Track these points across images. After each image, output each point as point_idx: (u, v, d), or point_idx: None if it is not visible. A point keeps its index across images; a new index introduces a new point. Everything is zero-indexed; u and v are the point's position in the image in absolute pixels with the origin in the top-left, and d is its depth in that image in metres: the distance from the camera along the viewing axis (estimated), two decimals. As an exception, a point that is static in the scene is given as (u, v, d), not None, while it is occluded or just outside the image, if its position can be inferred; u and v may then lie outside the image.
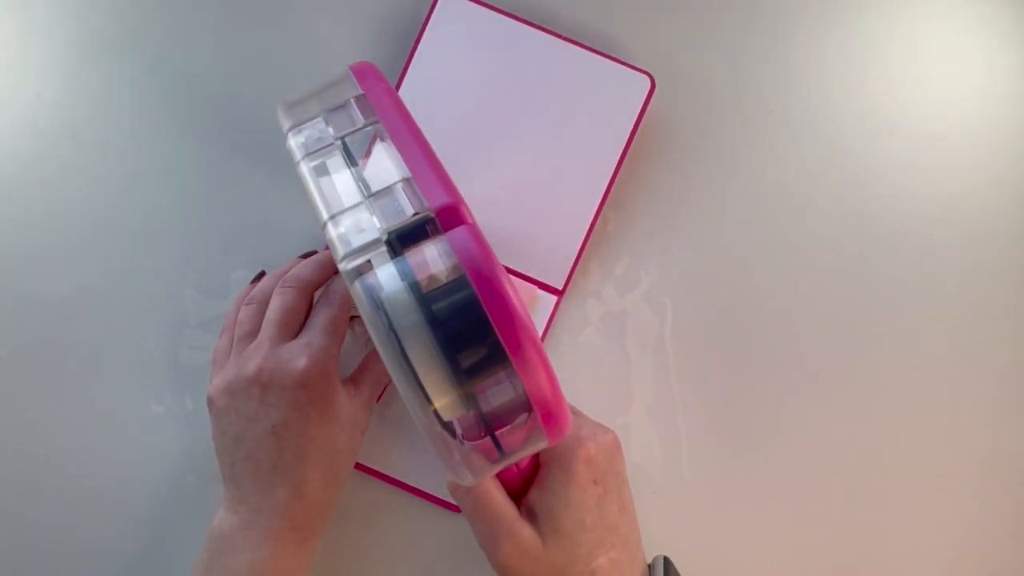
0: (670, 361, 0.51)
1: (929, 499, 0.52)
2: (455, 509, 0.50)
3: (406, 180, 0.35)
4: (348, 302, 0.46)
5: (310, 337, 0.44)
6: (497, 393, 0.33)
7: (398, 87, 0.51)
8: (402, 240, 0.33)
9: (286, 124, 0.39)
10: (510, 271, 0.51)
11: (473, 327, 0.31)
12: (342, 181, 0.36)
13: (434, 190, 0.34)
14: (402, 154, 0.36)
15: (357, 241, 0.33)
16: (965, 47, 0.54)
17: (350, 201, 0.35)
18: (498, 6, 0.51)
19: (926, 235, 0.53)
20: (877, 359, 0.52)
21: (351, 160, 0.37)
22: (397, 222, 0.33)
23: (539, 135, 0.51)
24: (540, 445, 0.35)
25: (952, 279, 0.53)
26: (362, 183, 0.35)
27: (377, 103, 0.38)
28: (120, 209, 0.52)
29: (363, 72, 0.40)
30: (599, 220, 0.51)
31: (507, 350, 0.31)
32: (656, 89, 0.51)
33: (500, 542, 0.41)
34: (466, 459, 0.34)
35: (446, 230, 0.33)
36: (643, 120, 0.51)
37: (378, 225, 0.33)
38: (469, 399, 0.32)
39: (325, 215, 0.35)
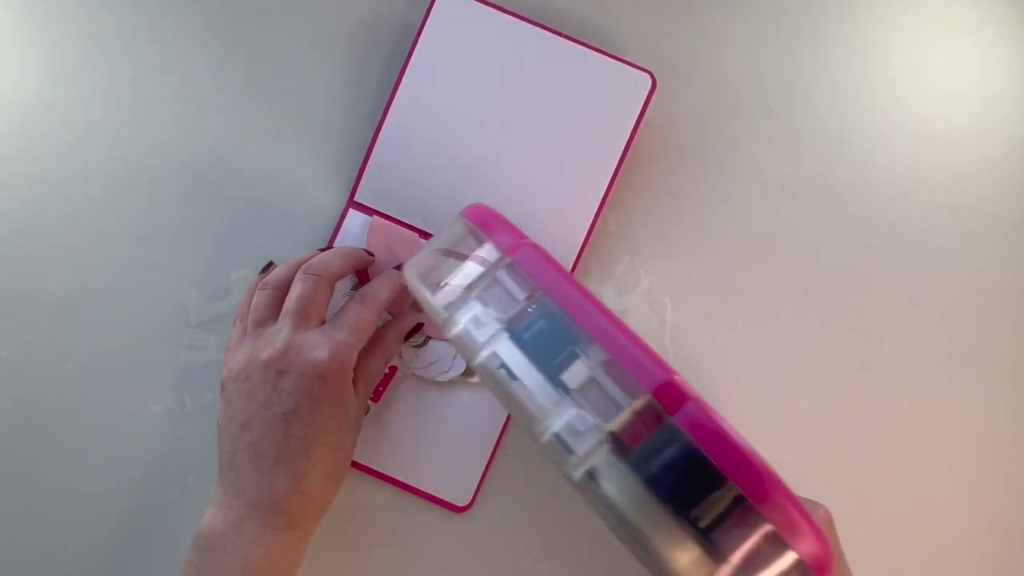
0: (670, 361, 0.51)
1: (929, 499, 0.52)
2: (455, 509, 0.50)
3: (605, 363, 0.32)
4: (382, 308, 0.45)
5: (336, 330, 0.43)
6: (762, 554, 0.30)
7: (396, 85, 0.51)
8: (628, 433, 0.31)
9: (436, 313, 0.37)
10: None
11: (728, 503, 0.30)
12: (526, 371, 0.33)
13: (645, 369, 0.31)
14: (590, 331, 0.33)
15: (580, 446, 0.31)
16: (965, 47, 0.54)
17: (547, 398, 0.32)
18: (497, 3, 0.51)
19: (926, 235, 0.53)
20: (878, 358, 0.52)
21: (524, 345, 0.34)
22: (618, 418, 0.31)
23: (538, 134, 0.51)
24: None
25: (952, 279, 0.53)
26: (547, 373, 0.33)
27: (530, 269, 0.36)
28: (120, 209, 0.52)
29: (488, 223, 0.38)
30: (599, 220, 0.51)
31: (767, 516, 0.30)
32: (657, 88, 0.51)
33: None
34: None
35: (672, 410, 0.30)
36: (644, 119, 0.51)
37: (593, 421, 0.31)
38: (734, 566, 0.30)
39: (533, 420, 0.32)
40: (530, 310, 0.35)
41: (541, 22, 0.51)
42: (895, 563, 0.51)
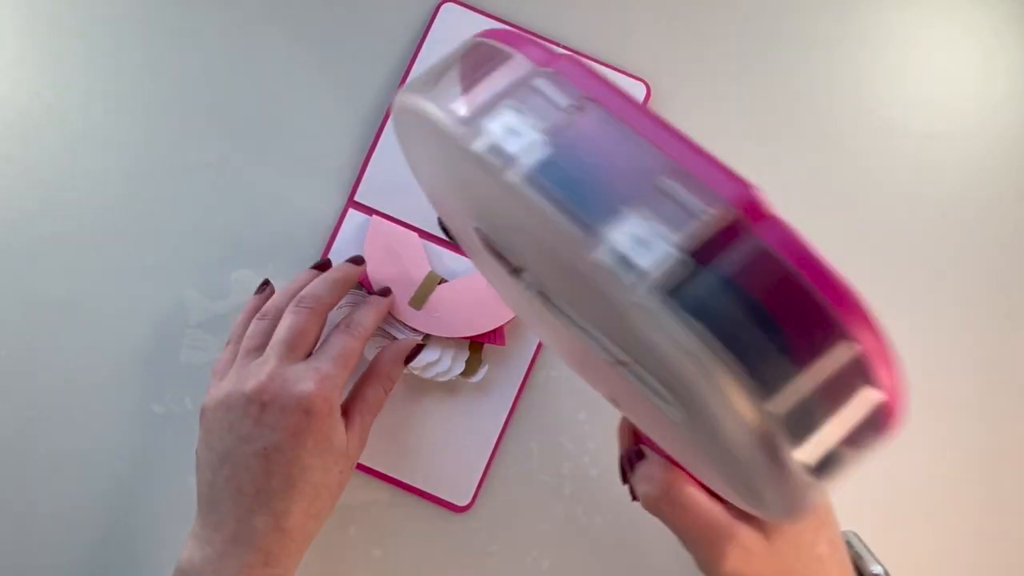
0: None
1: (931, 497, 0.52)
2: (455, 509, 0.50)
3: (674, 171, 0.27)
4: (368, 335, 0.45)
5: (321, 362, 0.42)
6: (839, 381, 0.27)
7: (399, 87, 0.51)
8: (703, 246, 0.25)
9: (438, 118, 0.29)
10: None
11: (818, 323, 0.26)
12: (576, 188, 0.27)
13: (721, 179, 0.27)
14: (653, 138, 0.27)
15: (645, 259, 0.25)
16: (965, 47, 0.54)
17: (604, 210, 0.26)
18: (496, 14, 0.52)
19: (926, 235, 0.53)
20: (878, 358, 0.52)
21: (575, 159, 0.28)
22: (693, 229, 0.26)
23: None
24: (880, 441, 0.28)
25: (952, 278, 0.53)
26: (603, 191, 0.27)
27: (574, 77, 0.29)
28: (120, 209, 0.52)
29: (512, 39, 0.31)
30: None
31: (857, 340, 0.26)
32: (651, 95, 0.51)
33: (724, 550, 0.37)
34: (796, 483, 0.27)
35: (755, 219, 0.26)
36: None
37: (663, 232, 0.25)
38: (815, 391, 0.26)
39: (588, 238, 0.26)
40: (577, 120, 0.28)
41: (539, 32, 0.52)
42: (897, 562, 0.51)
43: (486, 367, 0.50)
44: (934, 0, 0.54)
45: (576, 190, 0.27)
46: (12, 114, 0.52)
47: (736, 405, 0.25)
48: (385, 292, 0.49)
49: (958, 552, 0.51)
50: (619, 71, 0.51)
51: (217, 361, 0.46)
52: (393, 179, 0.51)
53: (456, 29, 0.51)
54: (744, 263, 0.26)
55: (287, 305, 0.45)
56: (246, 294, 0.51)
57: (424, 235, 0.51)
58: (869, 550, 0.43)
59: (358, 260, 0.48)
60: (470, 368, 0.49)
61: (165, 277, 0.51)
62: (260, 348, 0.43)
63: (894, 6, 0.54)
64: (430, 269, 0.50)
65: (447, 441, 0.50)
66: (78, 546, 0.49)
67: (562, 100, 0.29)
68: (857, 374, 0.27)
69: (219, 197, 0.52)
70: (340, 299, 0.46)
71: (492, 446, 0.50)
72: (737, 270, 0.26)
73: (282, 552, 0.40)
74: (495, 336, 0.50)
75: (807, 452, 0.26)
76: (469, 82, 0.30)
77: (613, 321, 0.29)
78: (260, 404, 0.40)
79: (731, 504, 0.38)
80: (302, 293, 0.44)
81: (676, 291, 0.25)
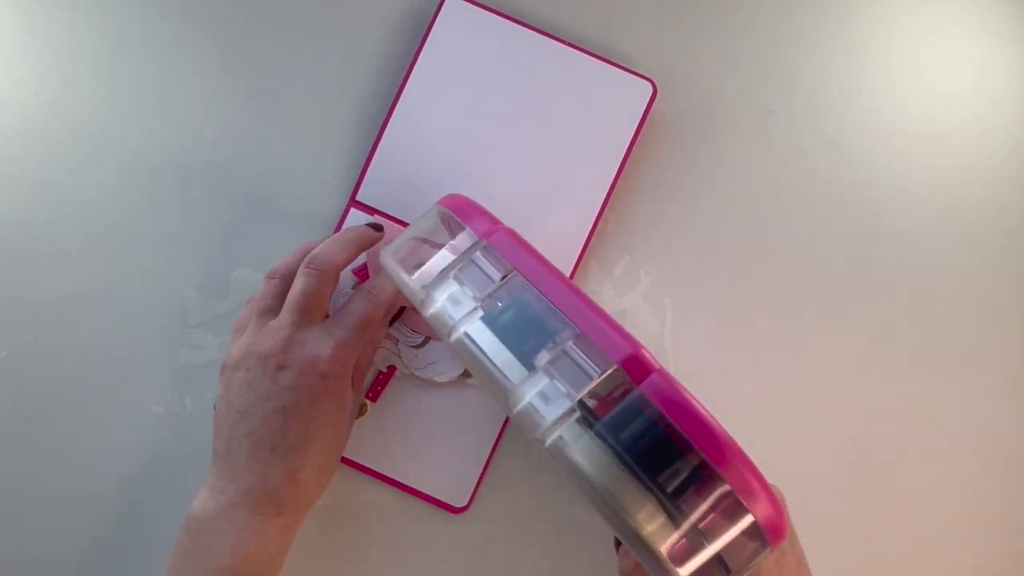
0: (670, 361, 0.51)
1: (934, 497, 0.52)
2: (452, 510, 0.50)
3: (576, 337, 0.35)
4: (388, 302, 0.45)
5: (339, 327, 0.43)
6: (721, 516, 0.33)
7: (402, 87, 0.51)
8: (598, 403, 0.33)
9: (413, 293, 0.39)
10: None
11: (690, 467, 0.33)
12: (498, 347, 0.36)
13: (612, 342, 0.33)
14: (561, 307, 0.35)
15: (551, 414, 0.33)
16: (965, 47, 0.54)
17: (520, 371, 0.35)
18: (502, 11, 0.51)
19: (926, 235, 0.53)
20: (878, 357, 0.52)
21: (498, 322, 0.37)
22: (585, 386, 0.33)
23: (541, 138, 0.51)
24: (761, 555, 0.34)
25: (952, 278, 0.53)
26: (520, 347, 0.35)
27: (508, 252, 0.38)
28: (120, 209, 0.52)
29: (465, 210, 0.40)
30: (600, 221, 0.51)
31: (726, 478, 0.32)
32: (658, 95, 0.51)
33: None
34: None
35: (638, 379, 0.33)
36: (644, 124, 0.51)
37: (563, 390, 0.34)
38: (694, 528, 0.33)
39: (507, 386, 0.35)
40: (503, 289, 0.37)
41: (545, 30, 0.51)
42: (894, 559, 0.52)
43: (486, 368, 0.50)
44: (934, 1, 0.54)
45: (498, 351, 0.35)
46: (12, 114, 0.52)
47: (631, 525, 0.32)
48: (378, 227, 0.49)
49: None
50: (625, 69, 0.51)
51: (237, 319, 0.46)
52: (395, 179, 0.51)
53: (460, 26, 0.51)
54: (627, 417, 0.33)
55: (298, 265, 0.45)
56: (246, 294, 0.51)
57: (424, 236, 0.51)
58: None
59: (377, 227, 0.48)
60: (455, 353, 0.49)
61: (165, 277, 0.51)
62: (274, 309, 0.44)
63: (895, 7, 0.54)
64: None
65: (445, 442, 0.50)
66: (78, 545, 0.49)
67: (495, 273, 0.38)
68: (732, 507, 0.33)
69: (219, 197, 0.52)
70: (352, 259, 0.46)
71: (490, 448, 0.50)
72: (621, 423, 0.33)
73: (293, 503, 0.42)
74: (495, 337, 0.50)
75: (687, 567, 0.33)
76: (423, 254, 0.41)
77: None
78: (277, 365, 0.42)
79: None
80: (313, 252, 0.45)
81: (569, 443, 0.33)
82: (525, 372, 0.35)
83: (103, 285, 0.51)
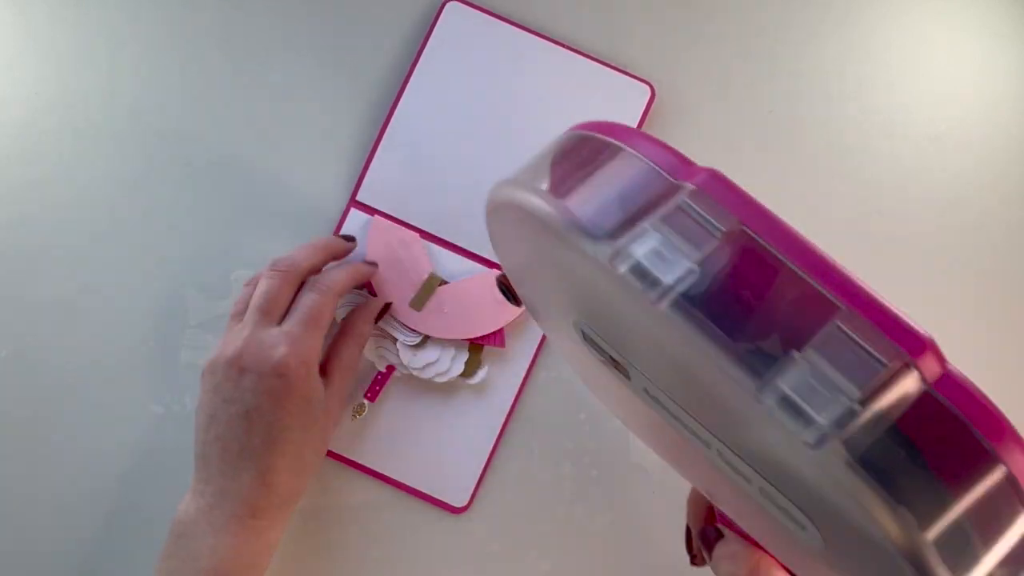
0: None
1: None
2: (452, 510, 0.50)
3: (838, 313, 0.26)
4: (336, 291, 0.45)
5: (291, 325, 0.43)
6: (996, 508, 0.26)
7: (402, 89, 0.51)
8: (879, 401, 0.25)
9: (599, 236, 0.27)
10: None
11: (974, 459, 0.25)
12: (732, 329, 0.25)
13: (901, 325, 0.26)
14: (820, 278, 0.27)
15: (820, 411, 0.24)
16: (965, 47, 0.54)
17: (764, 354, 0.25)
18: (501, 14, 0.52)
19: (926, 235, 0.53)
20: (877, 359, 0.52)
21: (727, 295, 0.26)
22: (871, 380, 0.25)
23: (541, 140, 0.51)
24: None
25: (952, 279, 0.53)
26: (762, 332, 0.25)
27: (725, 198, 0.27)
28: (120, 209, 0.52)
29: (631, 137, 0.29)
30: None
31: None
32: (656, 97, 0.51)
33: None
34: None
35: (931, 375, 0.26)
36: (643, 126, 0.51)
37: (837, 383, 0.24)
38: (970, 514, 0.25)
39: (747, 382, 0.24)
40: (732, 248, 0.26)
41: (544, 33, 0.52)
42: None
43: (486, 369, 0.50)
44: (934, 1, 0.54)
45: (738, 327, 0.25)
46: (11, 114, 0.52)
47: (892, 535, 0.24)
48: (350, 238, 0.49)
49: None
50: (623, 72, 0.51)
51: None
52: (395, 179, 0.51)
53: (460, 29, 0.51)
54: (912, 411, 0.25)
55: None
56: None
57: (426, 236, 0.51)
58: None
59: (349, 238, 0.49)
60: (469, 369, 0.49)
61: (165, 277, 0.51)
62: (243, 314, 0.45)
63: (895, 7, 0.54)
64: (431, 271, 0.50)
65: (445, 442, 0.50)
66: (78, 545, 0.50)
67: (713, 225, 0.27)
68: (1011, 497, 0.26)
69: (219, 197, 0.52)
70: (319, 265, 0.46)
71: (490, 448, 0.50)
72: (904, 419, 0.25)
73: (268, 506, 0.42)
74: (495, 338, 0.50)
75: None
76: (597, 190, 0.29)
77: (748, 443, 0.27)
78: (239, 368, 0.42)
79: None
80: (280, 256, 0.45)
81: (851, 445, 0.24)
82: (767, 359, 0.25)
83: (103, 285, 0.51)
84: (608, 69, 0.51)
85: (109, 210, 0.52)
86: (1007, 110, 0.54)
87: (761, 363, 0.25)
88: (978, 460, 0.25)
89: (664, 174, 0.28)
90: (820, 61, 0.54)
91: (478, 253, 0.51)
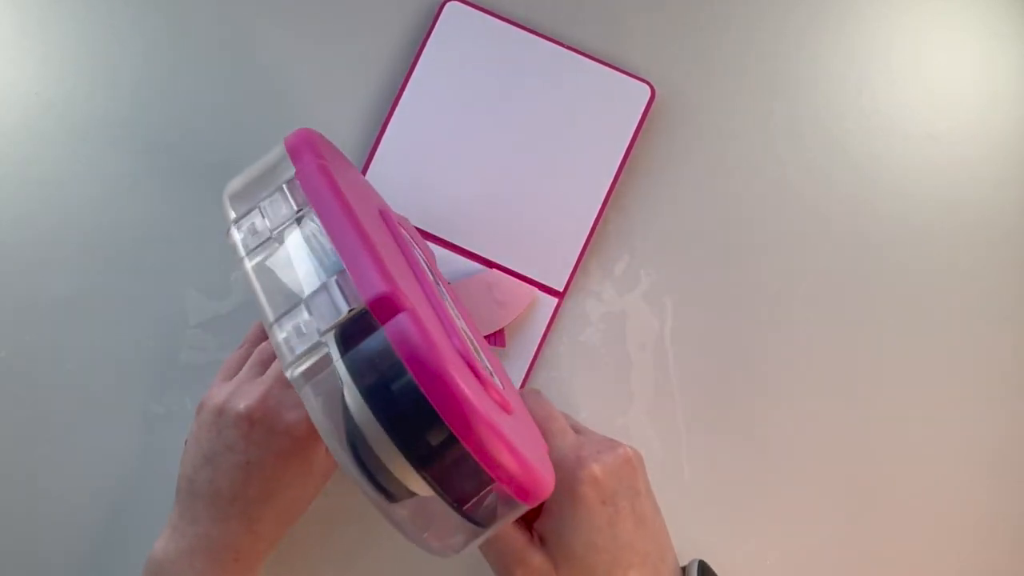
0: (670, 361, 0.51)
1: (932, 498, 0.52)
2: (455, 509, 0.50)
3: (341, 273, 0.33)
4: None
5: None
6: (461, 472, 0.31)
7: (402, 89, 0.51)
8: (344, 340, 0.32)
9: (229, 218, 0.39)
10: (512, 273, 0.51)
11: (423, 416, 0.30)
12: (277, 280, 0.35)
13: (368, 279, 0.32)
14: (334, 241, 0.34)
15: (299, 347, 0.32)
16: (965, 47, 0.54)
17: (287, 303, 0.34)
18: (501, 14, 0.52)
19: (926, 235, 0.53)
20: (877, 358, 0.52)
21: (279, 255, 0.36)
22: (332, 322, 0.32)
23: (541, 141, 0.51)
24: (520, 510, 0.34)
25: (952, 279, 0.53)
26: (299, 280, 0.34)
27: (308, 184, 0.36)
28: (120, 209, 0.52)
29: (296, 147, 0.39)
30: (600, 221, 0.51)
31: (459, 437, 0.30)
32: (656, 97, 0.51)
33: (513, 571, 0.40)
34: (438, 536, 0.34)
35: (384, 320, 0.31)
36: (643, 126, 0.51)
37: (316, 326, 0.32)
38: (434, 482, 0.31)
39: (269, 319, 0.34)
40: (292, 223, 0.36)
41: (544, 33, 0.52)
42: (898, 562, 0.52)
43: (486, 368, 0.50)
44: (934, 1, 0.54)
45: (274, 284, 0.35)
46: (11, 114, 0.52)
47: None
48: None
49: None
50: (624, 72, 0.51)
51: (229, 358, 0.47)
52: (395, 179, 0.51)
53: (460, 29, 0.51)
54: (370, 358, 0.31)
55: None
56: (247, 294, 0.51)
57: (426, 235, 0.51)
58: None
59: None
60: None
61: (165, 277, 0.51)
62: (267, 363, 0.45)
63: (895, 7, 0.54)
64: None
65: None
66: (78, 545, 0.49)
67: (292, 206, 0.37)
68: (463, 459, 0.31)
69: (220, 197, 0.52)
70: None
71: (492, 446, 0.50)
72: (361, 360, 0.31)
73: (251, 552, 0.42)
74: (495, 338, 0.50)
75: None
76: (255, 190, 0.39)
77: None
78: (250, 421, 0.42)
79: (533, 532, 0.41)
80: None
81: (312, 375, 0.32)
82: (296, 302, 0.34)
83: (103, 285, 0.51)
84: (608, 69, 0.51)
85: (109, 210, 0.51)
86: (1007, 110, 0.54)
87: (281, 311, 0.34)
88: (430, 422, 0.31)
89: (291, 170, 0.38)
90: (820, 61, 0.54)
91: (478, 253, 0.51)
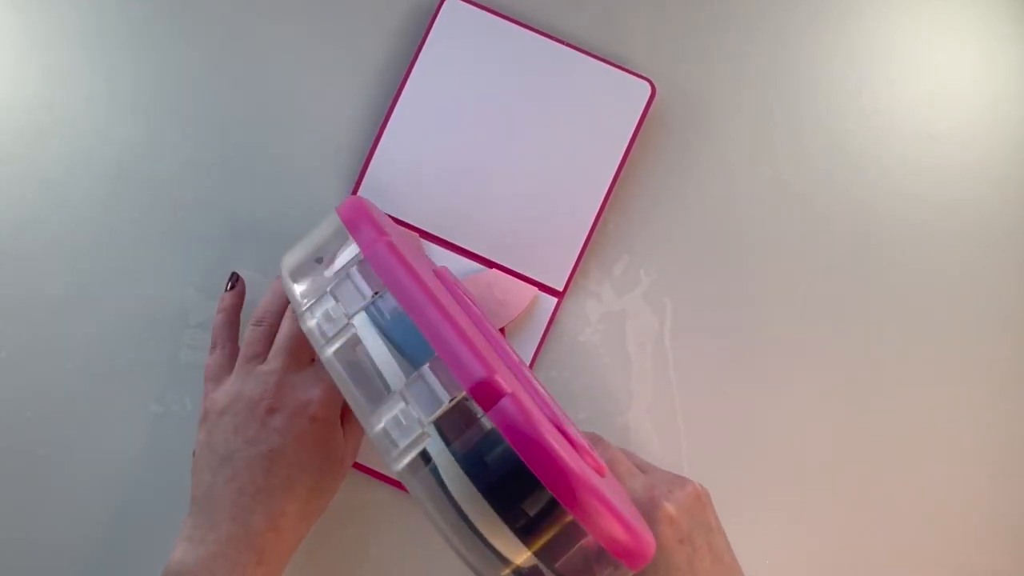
0: (670, 361, 0.51)
1: (931, 497, 0.52)
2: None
3: (434, 360, 0.34)
4: None
5: (320, 370, 0.43)
6: (565, 542, 0.33)
7: (401, 87, 0.51)
8: (447, 428, 0.33)
9: (295, 297, 0.39)
10: (512, 272, 0.51)
11: (536, 497, 0.32)
12: (360, 368, 0.35)
13: (465, 366, 0.33)
14: (422, 328, 0.34)
15: (401, 439, 0.33)
16: (965, 47, 0.54)
17: (378, 394, 0.35)
18: (501, 11, 0.51)
19: (926, 235, 0.53)
20: (877, 358, 0.52)
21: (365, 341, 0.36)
22: (434, 412, 0.33)
23: (541, 139, 0.51)
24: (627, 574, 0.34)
25: (952, 279, 0.53)
26: (387, 366, 0.35)
27: (381, 268, 0.37)
28: (120, 208, 0.52)
29: (354, 221, 0.40)
30: (599, 221, 0.51)
31: (579, 520, 0.32)
32: (656, 95, 0.51)
33: None
34: None
35: (487, 407, 0.32)
36: (643, 124, 0.51)
37: (417, 416, 0.33)
38: (540, 554, 0.33)
39: (365, 414, 0.35)
40: (372, 308, 0.37)
41: (544, 30, 0.51)
42: (897, 563, 0.52)
43: (486, 368, 0.50)
44: (934, 1, 0.54)
45: (361, 375, 0.36)
46: (12, 114, 0.52)
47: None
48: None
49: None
50: (624, 70, 0.51)
51: (207, 365, 0.46)
52: (395, 179, 0.51)
53: (459, 26, 0.51)
54: (476, 445, 0.33)
55: (278, 307, 0.45)
56: (246, 294, 0.51)
57: (426, 235, 0.51)
58: None
59: None
60: None
61: (165, 277, 0.51)
62: (261, 354, 0.44)
63: (895, 7, 0.54)
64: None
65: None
66: (77, 545, 0.50)
67: (366, 290, 0.37)
68: (573, 534, 0.32)
69: (219, 196, 0.52)
70: None
71: (492, 446, 0.50)
72: (469, 450, 0.33)
73: (274, 552, 0.42)
74: (495, 337, 0.50)
75: None
76: (313, 267, 0.40)
77: None
78: (267, 409, 0.42)
79: None
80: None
81: (419, 466, 0.33)
82: (384, 392, 0.35)
83: (103, 285, 0.51)
84: (608, 66, 0.51)
85: (109, 210, 0.51)
86: (1007, 110, 0.54)
87: (374, 400, 0.35)
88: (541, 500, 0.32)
89: (357, 250, 0.39)
90: (821, 60, 0.54)
91: (478, 253, 0.51)
